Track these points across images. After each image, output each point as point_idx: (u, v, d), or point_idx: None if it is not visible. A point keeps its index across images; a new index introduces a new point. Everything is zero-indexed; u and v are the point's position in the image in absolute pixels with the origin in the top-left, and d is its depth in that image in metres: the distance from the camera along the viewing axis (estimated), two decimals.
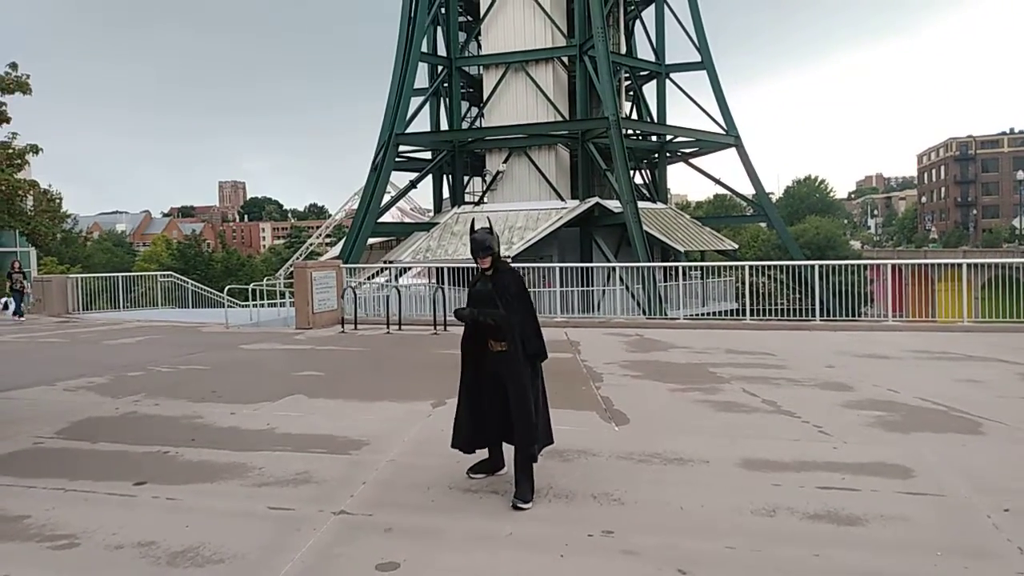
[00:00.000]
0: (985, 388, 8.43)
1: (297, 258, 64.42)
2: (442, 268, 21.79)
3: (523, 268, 18.49)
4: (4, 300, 22.98)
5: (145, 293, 24.75)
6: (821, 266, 15.98)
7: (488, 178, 33.16)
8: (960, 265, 15.78)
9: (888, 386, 8.50)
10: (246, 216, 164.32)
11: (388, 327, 15.49)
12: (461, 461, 5.49)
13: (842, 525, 4.38)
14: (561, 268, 18.13)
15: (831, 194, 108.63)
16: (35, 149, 7.35)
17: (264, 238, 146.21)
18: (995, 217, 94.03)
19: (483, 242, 5.03)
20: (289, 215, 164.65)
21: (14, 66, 7.10)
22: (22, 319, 20.43)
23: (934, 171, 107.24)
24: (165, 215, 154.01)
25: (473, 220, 5.51)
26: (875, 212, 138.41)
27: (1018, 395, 8.04)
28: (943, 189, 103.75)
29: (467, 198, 33.27)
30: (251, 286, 19.82)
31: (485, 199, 32.98)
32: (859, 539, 4.20)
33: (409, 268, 27.35)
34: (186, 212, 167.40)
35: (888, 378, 9.03)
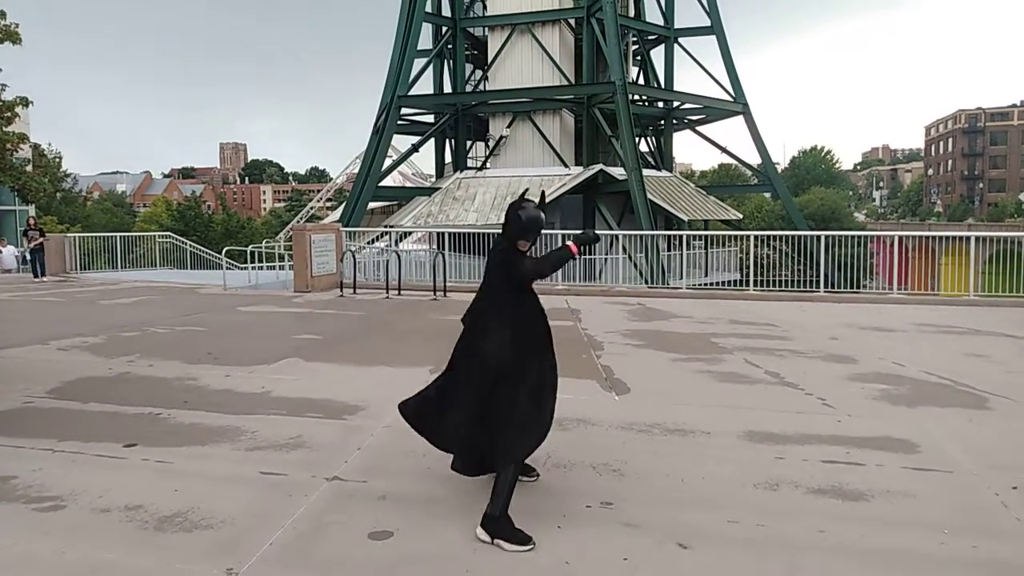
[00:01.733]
0: (991, 363, 8.31)
1: (298, 221, 64.14)
2: (443, 233, 21.57)
3: None
4: (19, 252, 22.38)
5: (144, 254, 24.60)
6: (826, 237, 15.79)
7: (491, 143, 32.75)
8: (967, 238, 15.60)
9: (893, 359, 8.37)
10: (247, 178, 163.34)
11: (387, 292, 15.36)
12: None
13: (847, 500, 4.28)
14: (564, 235, 17.93)
15: (837, 165, 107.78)
16: (25, 102, 7.15)
17: (265, 201, 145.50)
18: (1001, 191, 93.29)
19: (541, 222, 3.96)
20: (290, 178, 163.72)
21: (2, 14, 6.85)
22: (44, 279, 19.75)
23: (941, 143, 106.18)
24: (166, 176, 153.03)
25: (526, 191, 4.39)
26: (880, 184, 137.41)
27: None
28: (950, 162, 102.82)
29: (469, 163, 32.89)
30: (250, 248, 19.68)
31: (488, 164, 32.62)
32: (864, 515, 4.09)
33: (410, 233, 27.16)
34: (187, 173, 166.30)
35: (893, 351, 8.91)
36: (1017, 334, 10.19)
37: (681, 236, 22.77)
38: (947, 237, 19.17)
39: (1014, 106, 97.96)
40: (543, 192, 4.06)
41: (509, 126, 31.97)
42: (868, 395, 6.75)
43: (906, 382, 7.26)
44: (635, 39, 33.42)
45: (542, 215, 3.92)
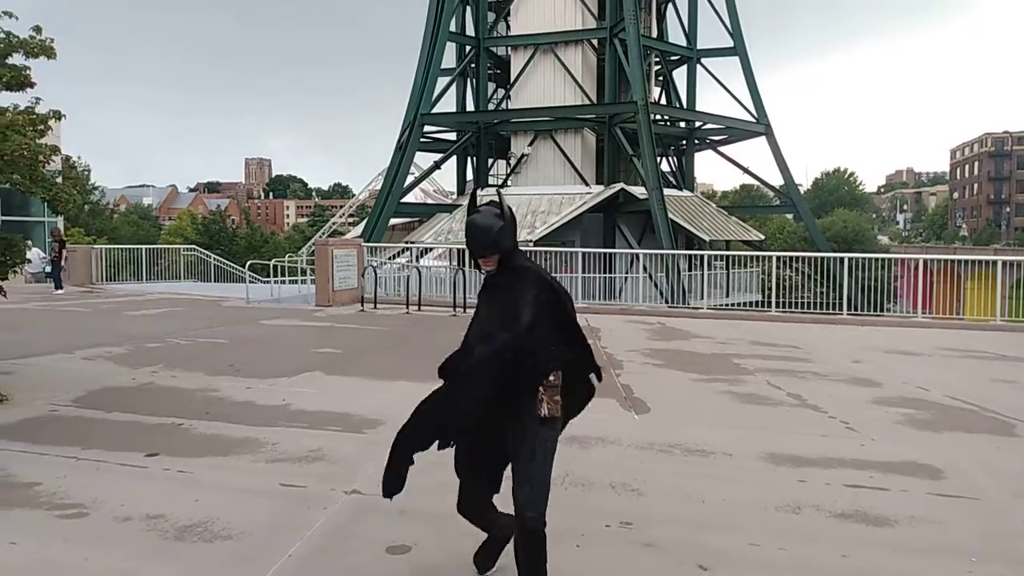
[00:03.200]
0: (1018, 388, 8.18)
1: (320, 236, 64.66)
2: (463, 250, 21.64)
3: (545, 253, 18.35)
4: (43, 257, 22.42)
5: (168, 266, 24.91)
6: (849, 259, 15.65)
7: (512, 161, 32.90)
8: (994, 263, 15.39)
9: (917, 383, 8.26)
10: (271, 193, 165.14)
11: (407, 307, 15.42)
12: None
13: (871, 525, 4.21)
14: (584, 253, 17.92)
15: (860, 187, 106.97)
16: (58, 115, 7.28)
17: (288, 216, 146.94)
18: None
19: (486, 231, 3.13)
20: (313, 193, 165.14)
21: (38, 29, 7.02)
22: (60, 291, 19.30)
23: (967, 167, 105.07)
24: (191, 190, 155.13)
25: (474, 192, 3.49)
26: (904, 207, 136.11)
27: None
28: (976, 185, 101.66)
29: (491, 181, 33.03)
30: (273, 262, 19.84)
31: (509, 182, 32.75)
32: (889, 540, 4.02)
33: (430, 249, 27.28)
34: (212, 188, 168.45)
35: (917, 375, 8.79)
36: None
37: (702, 256, 22.68)
38: (973, 261, 18.92)
39: None
40: (498, 191, 3.35)
41: (531, 144, 32.12)
42: (892, 419, 6.65)
43: (931, 406, 7.15)
44: (658, 59, 33.52)
45: (492, 224, 3.12)
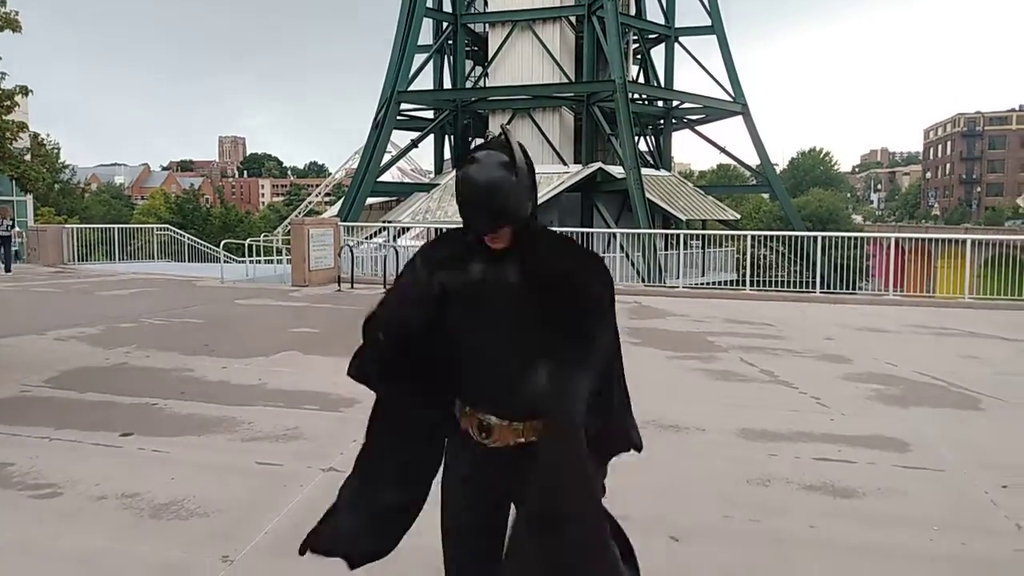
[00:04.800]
0: (984, 364, 8.35)
1: (296, 216, 64.11)
2: (441, 229, 21.50)
3: None
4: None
5: (141, 246, 24.59)
6: (823, 238, 15.83)
7: (490, 139, 32.76)
8: (963, 241, 15.65)
9: (887, 359, 8.41)
10: (245, 172, 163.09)
11: (385, 287, 15.34)
12: None
13: (838, 497, 4.31)
14: (560, 233, 17.94)
15: (835, 167, 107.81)
16: (24, 91, 7.14)
17: (263, 195, 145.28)
18: (999, 195, 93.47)
19: (491, 191, 1.97)
20: (289, 172, 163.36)
21: (2, 2, 6.87)
22: (6, 273, 18.67)
23: (940, 147, 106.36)
24: (164, 169, 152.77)
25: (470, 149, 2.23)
26: (878, 187, 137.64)
27: (1018, 372, 7.96)
28: (948, 165, 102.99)
29: None
30: (248, 242, 19.66)
31: None
32: (855, 512, 4.13)
33: (408, 229, 27.17)
34: (185, 166, 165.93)
35: (887, 351, 8.95)
36: (1010, 336, 10.23)
37: (679, 235, 22.83)
38: (943, 240, 19.23)
39: (1012, 111, 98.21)
40: (502, 127, 2.15)
41: (509, 123, 31.52)
42: (862, 395, 6.78)
43: (899, 382, 7.30)
44: (636, 38, 33.44)
45: (501, 176, 1.97)
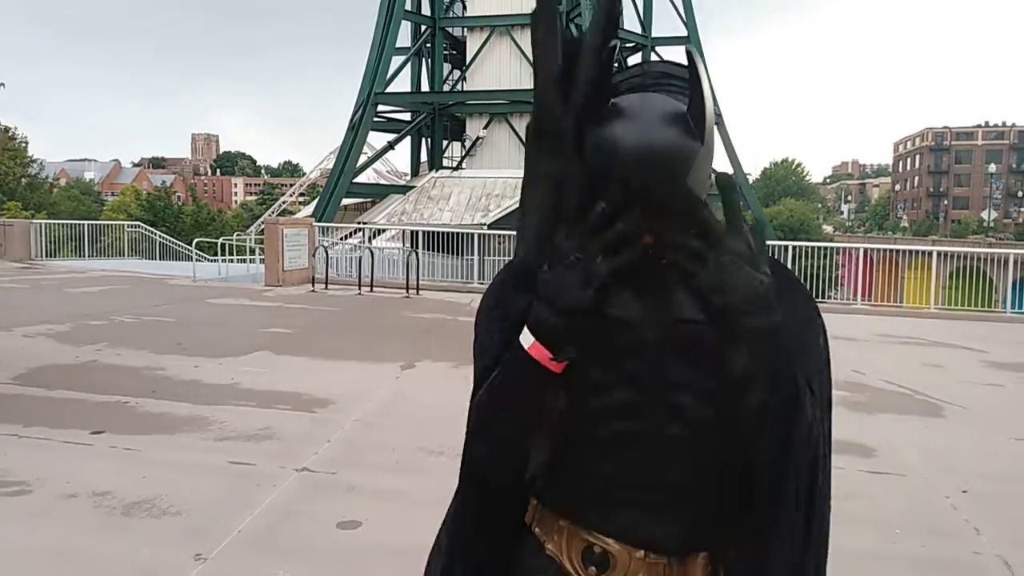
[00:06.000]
0: (948, 373, 8.56)
1: (270, 215, 63.57)
2: (417, 232, 21.58)
3: (499, 236, 18.42)
4: None
5: (111, 243, 24.21)
6: (793, 247, 16.09)
7: (467, 143, 32.80)
8: (929, 253, 16.00)
9: (854, 367, 8.57)
10: (218, 170, 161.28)
11: (359, 288, 15.32)
12: (428, 424, 5.43)
13: None
14: None
15: (807, 178, 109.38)
16: None
17: (236, 193, 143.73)
18: (965, 208, 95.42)
19: (673, 159, 1.09)
20: (263, 171, 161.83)
21: None
22: None
23: (909, 160, 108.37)
24: (135, 165, 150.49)
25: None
26: (849, 198, 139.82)
27: (979, 381, 8.17)
28: (917, 178, 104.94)
29: (445, 162, 32.88)
30: (220, 240, 19.48)
31: (464, 164, 32.66)
32: None
33: (383, 230, 27.10)
34: (157, 163, 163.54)
35: (855, 360, 9.12)
36: (974, 346, 10.48)
37: None
38: (911, 251, 19.63)
39: (979, 126, 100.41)
40: (689, 51, 1.16)
41: (486, 127, 32.05)
42: None
43: (866, 390, 7.45)
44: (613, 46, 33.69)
45: (682, 143, 1.12)
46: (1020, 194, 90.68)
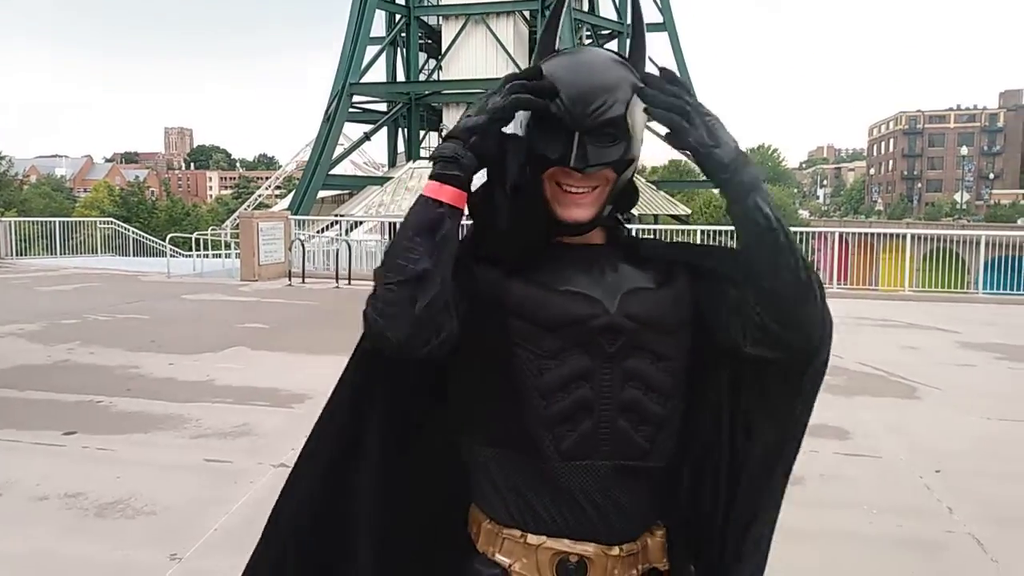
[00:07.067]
0: (923, 355, 8.67)
1: (245, 209, 62.98)
2: (395, 223, 21.46)
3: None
4: None
5: (84, 240, 23.85)
6: None
7: (444, 133, 32.63)
8: (904, 236, 16.18)
9: (831, 351, 8.66)
10: (192, 164, 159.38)
11: (337, 282, 15.22)
12: None
13: None
14: None
15: (783, 163, 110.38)
16: None
17: (211, 187, 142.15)
18: (938, 191, 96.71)
19: (605, 88, 1.17)
20: (238, 164, 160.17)
21: None
22: None
23: (883, 144, 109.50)
24: (108, 160, 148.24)
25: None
26: (824, 182, 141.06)
27: (953, 362, 8.29)
28: (891, 162, 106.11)
29: (422, 153, 32.70)
30: (195, 235, 19.26)
31: None
32: (799, 497, 4.23)
33: (361, 222, 26.93)
34: (129, 158, 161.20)
35: (832, 343, 9.21)
36: (947, 328, 10.63)
37: (630, 230, 23.03)
38: (886, 234, 19.85)
39: (951, 110, 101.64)
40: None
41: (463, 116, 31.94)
42: None
43: (842, 372, 7.52)
44: (589, 33, 33.69)
45: (618, 75, 1.23)
46: (991, 176, 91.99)
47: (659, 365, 1.19)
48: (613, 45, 34.69)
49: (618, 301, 1.19)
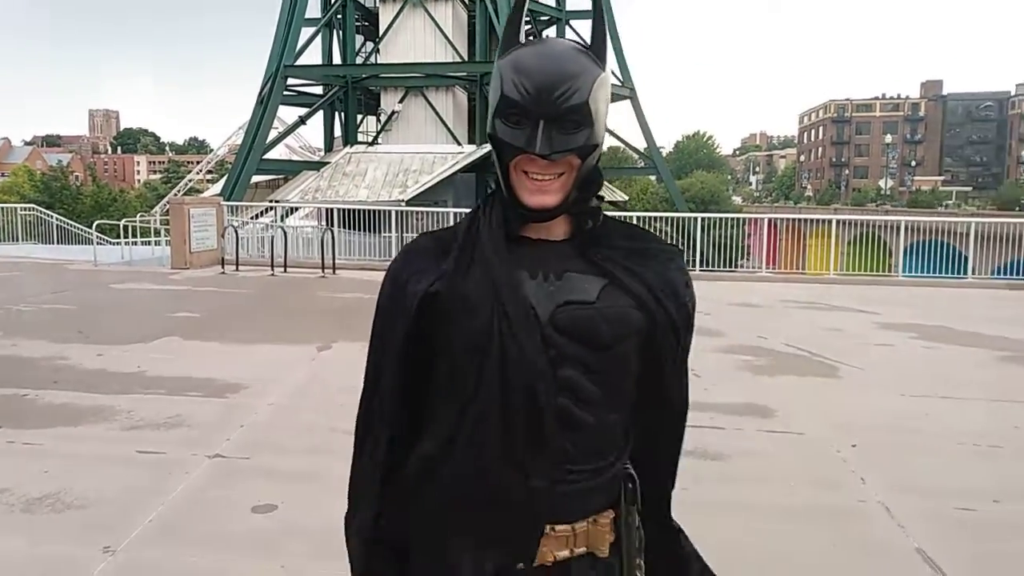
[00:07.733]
0: (844, 335, 9.08)
1: (175, 194, 61.01)
2: (332, 209, 21.17)
3: (418, 212, 18.27)
4: None
5: (3, 227, 22.83)
6: (703, 219, 16.62)
7: (383, 118, 32.26)
8: (830, 221, 16.80)
9: (758, 332, 8.99)
10: (119, 148, 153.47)
11: (272, 269, 14.98)
12: (344, 404, 5.41)
13: (709, 460, 4.63)
14: (456, 214, 17.99)
15: (718, 150, 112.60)
16: None
17: (139, 172, 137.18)
18: (864, 178, 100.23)
19: (567, 76, 1.21)
20: (167, 148, 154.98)
21: None
22: None
23: (813, 131, 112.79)
24: (27, 143, 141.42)
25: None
26: (757, 169, 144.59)
27: (873, 342, 8.70)
28: (820, 149, 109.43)
29: (360, 137, 32.26)
30: (123, 222, 18.66)
31: (379, 139, 32.14)
32: (724, 473, 4.46)
33: (297, 208, 26.46)
34: (51, 141, 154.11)
35: (759, 325, 9.55)
36: (868, 309, 11.13)
37: (597, 220, 23.22)
38: (813, 220, 20.55)
39: (876, 98, 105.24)
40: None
41: (401, 101, 31.57)
42: (733, 365, 7.25)
43: (768, 353, 7.84)
44: (528, 19, 33.63)
45: (581, 66, 1.24)
46: (913, 163, 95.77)
47: (590, 377, 1.24)
48: (552, 32, 34.81)
49: (551, 313, 1.23)
